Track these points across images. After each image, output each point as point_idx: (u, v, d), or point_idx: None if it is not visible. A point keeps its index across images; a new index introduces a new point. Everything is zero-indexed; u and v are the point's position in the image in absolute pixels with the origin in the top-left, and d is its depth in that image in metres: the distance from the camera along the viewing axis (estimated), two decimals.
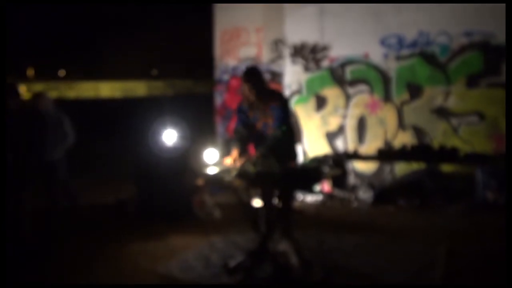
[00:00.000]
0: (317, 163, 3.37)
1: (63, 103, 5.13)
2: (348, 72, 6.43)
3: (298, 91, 6.83)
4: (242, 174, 3.07)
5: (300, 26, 6.72)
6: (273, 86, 6.72)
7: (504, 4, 3.97)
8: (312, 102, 6.72)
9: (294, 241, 3.60)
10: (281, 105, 3.62)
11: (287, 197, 3.80)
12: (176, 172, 5.09)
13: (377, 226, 4.87)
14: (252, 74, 3.66)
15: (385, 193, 5.67)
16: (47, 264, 3.89)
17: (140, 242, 4.41)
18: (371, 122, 6.31)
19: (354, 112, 6.42)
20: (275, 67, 6.94)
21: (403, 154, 4.80)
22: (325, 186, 6.12)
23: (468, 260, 3.70)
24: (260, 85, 3.61)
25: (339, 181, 5.88)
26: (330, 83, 6.55)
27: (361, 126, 6.37)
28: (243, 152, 3.55)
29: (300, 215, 5.22)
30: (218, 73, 7.46)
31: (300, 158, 5.49)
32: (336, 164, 5.43)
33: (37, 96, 5.10)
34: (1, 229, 3.60)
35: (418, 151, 4.71)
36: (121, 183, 6.74)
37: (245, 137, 3.68)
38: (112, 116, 17.42)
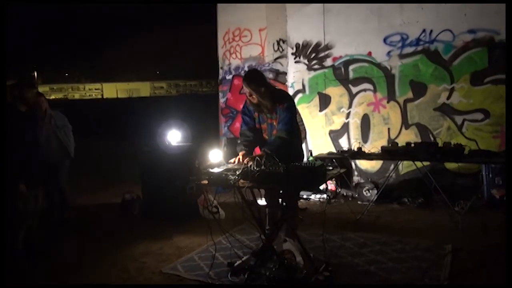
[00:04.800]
0: (321, 161, 3.37)
1: (67, 105, 5.14)
2: (351, 71, 6.43)
3: (302, 90, 6.84)
4: (246, 173, 3.07)
5: (303, 25, 6.73)
6: (276, 85, 6.75)
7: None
8: (315, 101, 6.73)
9: (299, 240, 3.60)
10: (287, 106, 3.57)
11: (292, 197, 3.80)
12: (181, 172, 5.10)
13: (382, 224, 4.87)
14: (253, 78, 3.57)
15: (389, 191, 5.66)
16: (52, 264, 3.92)
17: (146, 242, 4.44)
18: (374, 121, 6.31)
19: (357, 111, 6.42)
20: (278, 67, 6.96)
21: (407, 152, 4.77)
22: (330, 184, 6.11)
23: (474, 259, 3.68)
24: (263, 88, 3.53)
25: (343, 179, 5.88)
26: (334, 82, 6.56)
27: (365, 125, 6.37)
28: (249, 154, 3.55)
29: (304, 214, 5.23)
30: (221, 73, 7.48)
31: (305, 157, 5.50)
32: (340, 162, 5.45)
33: (40, 96, 4.89)
34: (2, 229, 3.62)
35: (422, 149, 4.68)
36: (126, 184, 6.78)
37: (251, 139, 3.66)
38: (116, 116, 17.49)
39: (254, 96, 3.53)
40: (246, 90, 3.56)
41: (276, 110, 3.59)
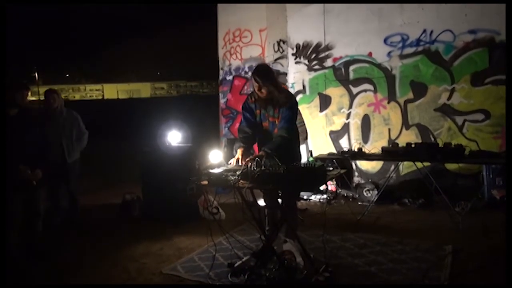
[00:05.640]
0: (322, 162, 3.37)
1: (68, 105, 5.13)
2: (352, 71, 6.42)
3: (302, 91, 6.84)
4: (246, 174, 3.07)
5: (303, 25, 6.73)
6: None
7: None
8: (316, 102, 6.73)
9: (299, 240, 3.59)
10: (290, 105, 3.58)
11: (292, 197, 3.80)
12: (181, 173, 5.10)
13: (382, 225, 4.87)
14: (265, 72, 3.55)
15: (389, 192, 5.66)
16: (52, 264, 3.92)
17: (146, 242, 4.44)
18: (375, 121, 6.30)
19: (358, 111, 6.41)
20: (278, 67, 6.95)
21: (408, 152, 4.77)
22: (330, 185, 6.11)
23: (474, 259, 3.68)
24: (273, 84, 3.53)
25: (344, 180, 5.88)
26: (334, 82, 6.56)
27: (365, 125, 6.37)
28: (247, 151, 3.54)
29: (304, 215, 5.23)
30: (222, 74, 7.48)
31: (305, 158, 5.49)
32: (340, 163, 5.45)
33: (52, 93, 4.80)
34: (2, 229, 3.61)
35: (423, 149, 4.68)
36: (127, 184, 6.78)
37: (250, 135, 3.65)
38: (117, 117, 17.51)
39: (263, 91, 3.51)
40: (255, 84, 3.52)
41: (279, 109, 3.58)
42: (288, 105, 3.56)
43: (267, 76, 3.52)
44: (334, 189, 6.13)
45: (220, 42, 7.44)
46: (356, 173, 6.44)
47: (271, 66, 6.84)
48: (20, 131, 3.78)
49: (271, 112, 3.63)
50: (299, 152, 3.86)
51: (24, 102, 3.82)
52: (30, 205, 3.91)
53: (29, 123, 3.87)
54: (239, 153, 3.47)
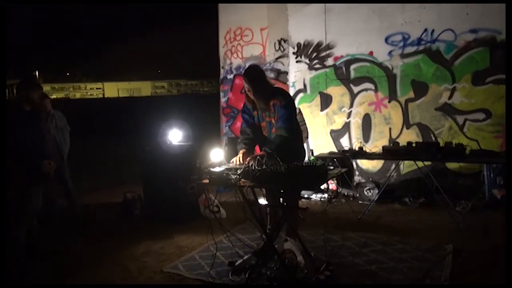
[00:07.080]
0: (323, 161, 3.37)
1: (69, 104, 5.13)
2: (353, 70, 6.42)
3: (303, 90, 6.84)
4: (247, 173, 3.07)
5: (304, 25, 6.73)
6: (278, 84, 6.76)
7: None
8: (316, 101, 6.73)
9: (300, 239, 3.60)
10: (285, 104, 3.55)
11: (293, 196, 3.80)
12: (182, 171, 5.10)
13: (383, 224, 4.87)
14: (252, 73, 3.60)
15: (390, 191, 5.66)
16: (52, 264, 3.92)
17: (147, 241, 4.44)
18: (376, 120, 6.30)
19: (358, 110, 6.41)
20: (279, 66, 6.96)
21: (408, 152, 4.77)
22: (331, 184, 6.11)
23: (475, 259, 3.68)
24: (261, 84, 3.55)
25: (344, 179, 5.88)
26: (335, 82, 6.56)
27: (366, 124, 6.37)
28: (249, 152, 3.55)
29: (305, 214, 5.23)
30: (222, 73, 7.49)
31: (306, 156, 5.49)
32: (341, 162, 5.44)
33: (46, 97, 4.86)
34: (2, 229, 3.61)
35: (423, 148, 4.68)
36: (128, 183, 6.78)
37: (251, 137, 3.66)
38: (117, 116, 17.50)
39: (252, 93, 3.55)
40: (245, 85, 3.60)
41: (274, 108, 3.58)
42: (282, 104, 3.55)
43: (254, 77, 3.57)
44: (334, 188, 6.14)
45: (221, 41, 7.44)
46: (357, 172, 6.44)
47: (271, 66, 6.92)
48: (36, 127, 3.80)
49: (267, 112, 3.63)
50: (303, 149, 3.87)
51: (38, 100, 3.89)
52: (45, 199, 3.94)
53: (38, 122, 3.91)
54: (240, 152, 3.48)
